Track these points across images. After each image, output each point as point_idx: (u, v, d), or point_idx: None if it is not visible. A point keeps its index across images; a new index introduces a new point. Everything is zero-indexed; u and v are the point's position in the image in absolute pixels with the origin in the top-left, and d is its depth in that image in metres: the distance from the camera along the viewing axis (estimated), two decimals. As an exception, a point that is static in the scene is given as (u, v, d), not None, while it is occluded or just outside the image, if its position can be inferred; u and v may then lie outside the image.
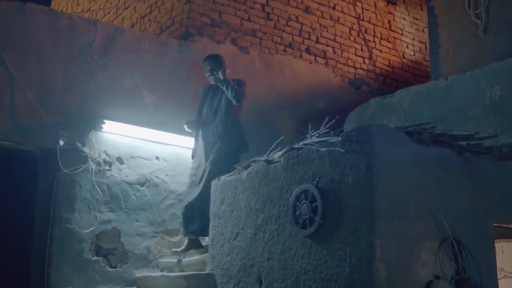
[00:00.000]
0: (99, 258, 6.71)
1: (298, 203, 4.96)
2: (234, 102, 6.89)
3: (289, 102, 8.81)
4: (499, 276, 5.31)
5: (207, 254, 6.18)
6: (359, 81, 9.92)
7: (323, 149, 4.81)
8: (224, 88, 6.86)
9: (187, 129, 7.06)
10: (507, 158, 5.44)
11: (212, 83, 7.08)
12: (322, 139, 4.93)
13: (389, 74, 10.48)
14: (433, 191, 4.76)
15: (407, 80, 10.43)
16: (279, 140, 5.77)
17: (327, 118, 5.20)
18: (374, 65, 10.29)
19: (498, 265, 5.33)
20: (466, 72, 6.01)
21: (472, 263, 4.84)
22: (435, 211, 4.69)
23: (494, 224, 5.31)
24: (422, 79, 10.06)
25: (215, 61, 7.07)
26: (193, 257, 6.47)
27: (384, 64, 10.47)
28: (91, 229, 6.67)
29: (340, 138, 4.64)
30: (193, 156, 7.09)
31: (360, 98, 9.18)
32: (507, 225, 5.62)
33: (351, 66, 9.93)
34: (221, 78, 6.89)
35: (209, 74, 7.05)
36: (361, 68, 10.06)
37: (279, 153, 5.40)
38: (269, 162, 5.47)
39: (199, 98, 7.24)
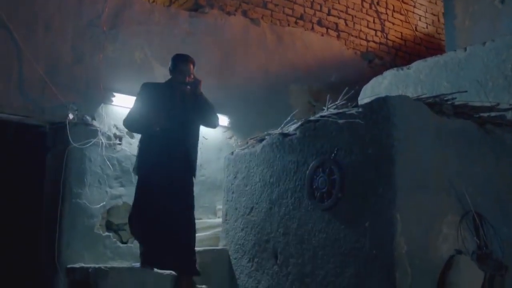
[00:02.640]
0: (110, 234, 6.61)
1: (315, 176, 4.88)
2: (211, 126, 5.79)
3: (301, 75, 8.66)
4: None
5: (220, 229, 6.09)
6: (372, 54, 9.75)
7: (341, 121, 4.70)
8: (206, 107, 5.54)
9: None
10: (529, 130, 5.30)
11: (180, 86, 5.53)
12: (340, 110, 4.81)
13: (401, 47, 10.30)
14: (455, 164, 4.66)
15: (419, 53, 10.24)
16: (294, 113, 5.67)
17: (346, 89, 5.08)
18: (387, 38, 10.11)
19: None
20: (486, 42, 5.85)
21: (494, 237, 4.74)
22: (456, 184, 4.59)
23: (515, 198, 5.20)
24: (435, 52, 9.84)
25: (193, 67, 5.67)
26: (206, 232, 6.37)
27: (397, 37, 10.28)
28: (101, 204, 6.56)
29: (360, 109, 4.52)
30: (151, 169, 5.40)
31: (373, 72, 9.03)
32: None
33: (363, 39, 9.75)
34: (200, 92, 5.54)
35: (188, 79, 5.52)
36: (373, 41, 9.88)
37: (295, 125, 5.30)
38: (284, 135, 5.36)
39: (152, 96, 5.50)
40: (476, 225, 4.66)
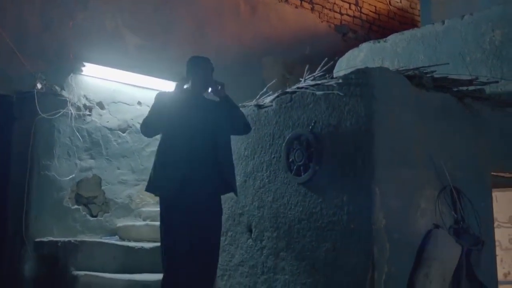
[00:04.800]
0: (80, 207, 6.51)
1: (291, 149, 4.78)
2: (241, 134, 4.94)
3: (274, 47, 8.57)
4: (493, 226, 5.21)
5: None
6: (345, 27, 9.66)
7: (319, 93, 4.60)
8: (235, 113, 4.68)
9: None
10: (507, 105, 5.27)
11: (201, 93, 4.72)
12: (318, 82, 4.71)
13: (375, 21, 10.23)
14: (434, 138, 4.60)
15: (393, 27, 10.17)
16: (270, 84, 5.55)
17: (325, 59, 4.98)
18: (361, 12, 10.02)
19: (493, 214, 5.24)
20: (464, 16, 5.78)
21: (471, 212, 4.71)
22: (435, 158, 4.54)
23: (492, 173, 5.18)
24: (409, 27, 9.77)
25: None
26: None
27: (371, 11, 10.21)
28: (71, 176, 6.44)
29: (340, 81, 4.41)
30: (165, 188, 4.52)
31: (346, 45, 8.95)
32: (503, 174, 5.51)
33: (337, 12, 9.66)
34: (226, 95, 4.67)
35: (214, 83, 4.65)
36: (347, 14, 9.79)
37: (271, 97, 5.18)
38: (259, 106, 5.25)
39: (168, 108, 4.56)
40: (454, 200, 4.61)
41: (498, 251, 5.36)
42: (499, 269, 5.46)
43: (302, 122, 4.74)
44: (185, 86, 4.72)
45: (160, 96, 4.68)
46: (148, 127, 4.60)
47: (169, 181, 4.44)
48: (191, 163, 4.43)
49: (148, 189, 4.64)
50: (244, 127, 4.78)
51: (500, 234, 5.73)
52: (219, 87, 4.62)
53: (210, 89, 4.66)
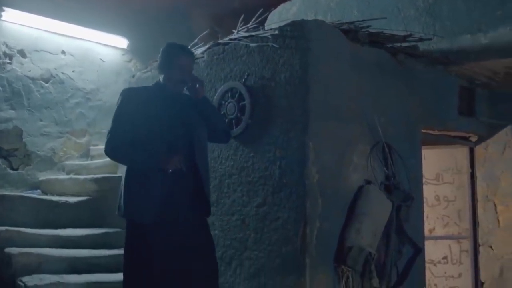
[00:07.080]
0: (-1, 160, 6.24)
1: (223, 102, 4.67)
2: (222, 141, 4.29)
3: (203, -1, 8.35)
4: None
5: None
6: (277, -20, 9.51)
7: (253, 45, 4.48)
8: (214, 117, 4.03)
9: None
10: (439, 63, 5.30)
11: (177, 90, 3.91)
12: (252, 33, 4.58)
13: (306, -24, 10.10)
14: (368, 93, 4.60)
15: (324, -17, 10.09)
16: (201, 35, 5.39)
17: (261, 10, 4.84)
18: (291, -36, 9.88)
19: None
20: (399, -29, 5.74)
21: (401, 168, 4.74)
22: (369, 114, 4.52)
23: (422, 130, 5.23)
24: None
25: None
26: (103, 159, 6.07)
27: (302, -35, 10.07)
28: (-11, 128, 6.17)
29: (276, 32, 4.30)
30: (134, 214, 3.70)
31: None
32: (432, 132, 5.57)
33: (267, -36, 9.49)
34: (202, 95, 3.92)
35: (193, 81, 3.89)
36: (278, -34, 9.63)
37: (202, 48, 5.04)
38: (190, 58, 5.08)
39: (140, 110, 3.73)
40: (386, 156, 4.63)
41: (424, 207, 5.44)
42: (425, 225, 5.55)
43: (235, 75, 4.63)
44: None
45: (128, 95, 3.86)
46: (117, 150, 3.76)
47: (147, 203, 3.64)
48: (171, 180, 3.66)
49: (123, 213, 3.75)
50: (224, 136, 4.15)
51: (426, 191, 5.81)
52: (197, 85, 3.86)
53: (185, 88, 3.93)
